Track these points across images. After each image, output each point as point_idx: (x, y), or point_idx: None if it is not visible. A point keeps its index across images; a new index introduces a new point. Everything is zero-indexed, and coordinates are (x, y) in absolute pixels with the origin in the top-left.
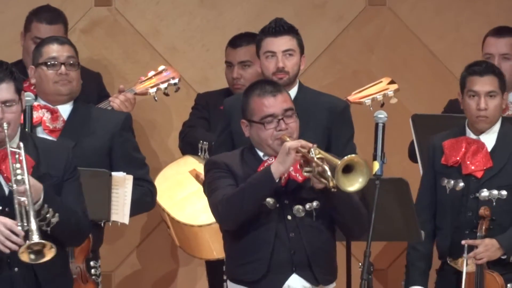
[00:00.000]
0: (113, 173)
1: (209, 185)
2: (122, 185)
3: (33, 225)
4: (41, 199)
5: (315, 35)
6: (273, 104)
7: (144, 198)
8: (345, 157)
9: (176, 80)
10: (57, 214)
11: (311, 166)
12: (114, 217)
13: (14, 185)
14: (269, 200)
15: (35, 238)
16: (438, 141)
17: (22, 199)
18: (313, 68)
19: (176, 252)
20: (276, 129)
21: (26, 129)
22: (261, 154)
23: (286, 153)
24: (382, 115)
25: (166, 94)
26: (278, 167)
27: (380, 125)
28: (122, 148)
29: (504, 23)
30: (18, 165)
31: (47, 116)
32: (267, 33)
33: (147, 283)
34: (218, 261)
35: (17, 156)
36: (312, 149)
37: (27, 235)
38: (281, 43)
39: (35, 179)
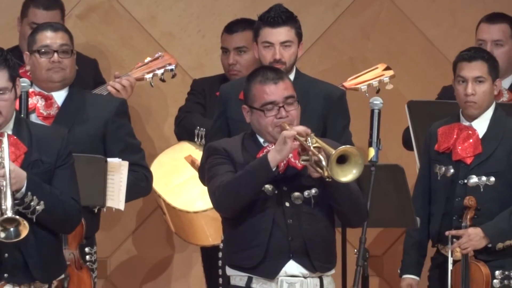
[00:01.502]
0: (109, 159)
1: (208, 171)
2: (118, 171)
3: (8, 203)
4: (24, 187)
5: (311, 21)
6: (274, 91)
7: (138, 183)
8: (340, 148)
9: (172, 66)
10: (42, 202)
11: (308, 155)
12: (109, 203)
13: None
14: (268, 186)
15: (8, 213)
16: (434, 128)
17: (1, 182)
18: (309, 54)
19: (172, 238)
20: (276, 117)
21: (22, 115)
22: (261, 140)
23: (283, 142)
24: (377, 101)
25: (163, 80)
26: (275, 156)
27: (376, 111)
28: (116, 134)
29: (500, 8)
30: None
31: (41, 103)
32: (266, 23)
33: (143, 269)
34: (213, 247)
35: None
36: (309, 138)
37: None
38: (279, 35)
39: (26, 165)
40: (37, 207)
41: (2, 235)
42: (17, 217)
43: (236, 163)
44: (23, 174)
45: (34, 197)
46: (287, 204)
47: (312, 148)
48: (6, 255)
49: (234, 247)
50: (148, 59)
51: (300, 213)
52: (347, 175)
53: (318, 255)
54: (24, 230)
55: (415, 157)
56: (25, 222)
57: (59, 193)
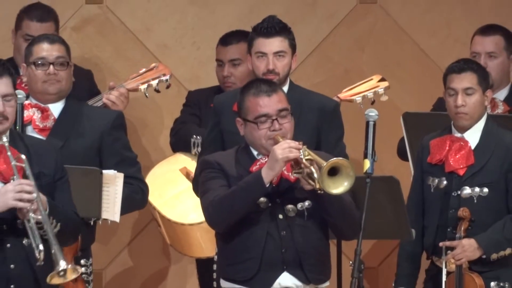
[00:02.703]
0: (104, 171)
1: (202, 186)
2: (113, 183)
3: (57, 248)
4: (47, 211)
5: (306, 33)
6: (267, 104)
7: (134, 196)
8: (331, 160)
9: (167, 77)
10: (59, 224)
11: (301, 168)
12: (105, 215)
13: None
14: (262, 199)
15: (62, 264)
16: (426, 141)
17: (37, 217)
18: (304, 66)
19: (167, 250)
20: (270, 129)
21: (17, 127)
22: (255, 152)
23: (275, 158)
24: (373, 113)
25: (157, 91)
26: (268, 172)
27: (371, 123)
28: (112, 147)
29: (495, 20)
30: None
31: (37, 115)
32: (259, 33)
33: (138, 281)
34: (208, 259)
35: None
36: (301, 151)
37: (48, 257)
38: (272, 45)
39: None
40: (55, 229)
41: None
42: (71, 266)
43: (229, 177)
44: (45, 198)
45: (54, 220)
46: (280, 216)
47: (304, 160)
48: (12, 266)
49: (227, 260)
50: (143, 69)
51: (293, 225)
52: (338, 187)
53: (311, 267)
54: (72, 274)
55: (410, 169)
56: (76, 268)
57: (66, 209)
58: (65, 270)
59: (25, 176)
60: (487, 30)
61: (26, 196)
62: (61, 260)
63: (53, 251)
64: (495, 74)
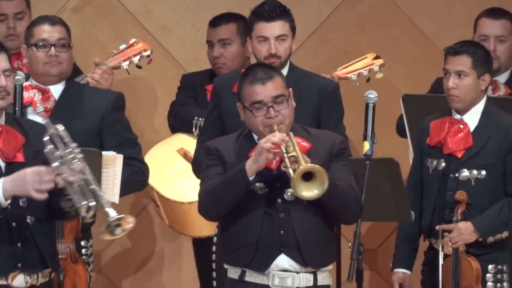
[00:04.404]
0: (103, 152)
1: (202, 172)
2: (112, 164)
3: (105, 201)
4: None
5: (306, 14)
6: (262, 91)
7: (135, 177)
8: (308, 165)
9: (148, 52)
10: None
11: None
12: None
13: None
14: (258, 184)
15: (113, 214)
16: (427, 122)
17: (81, 177)
18: (304, 48)
19: (165, 232)
20: (266, 117)
21: (16, 109)
22: (256, 137)
23: (259, 152)
24: (372, 95)
25: (139, 67)
26: (251, 165)
27: (371, 105)
28: (112, 128)
29: (495, 3)
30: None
31: (38, 96)
32: (260, 17)
33: (136, 261)
34: (206, 241)
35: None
36: (282, 147)
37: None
38: (274, 29)
39: (30, 155)
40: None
41: (118, 231)
42: (123, 215)
43: (227, 163)
44: None
45: None
46: (279, 200)
47: (286, 158)
48: (19, 244)
49: (225, 246)
50: (123, 46)
51: (292, 209)
52: (308, 192)
53: (310, 251)
54: (127, 224)
55: (409, 151)
56: (129, 217)
57: None
58: (120, 219)
59: (30, 151)
60: (496, 13)
61: (44, 186)
62: (113, 211)
63: (104, 207)
64: (503, 58)
